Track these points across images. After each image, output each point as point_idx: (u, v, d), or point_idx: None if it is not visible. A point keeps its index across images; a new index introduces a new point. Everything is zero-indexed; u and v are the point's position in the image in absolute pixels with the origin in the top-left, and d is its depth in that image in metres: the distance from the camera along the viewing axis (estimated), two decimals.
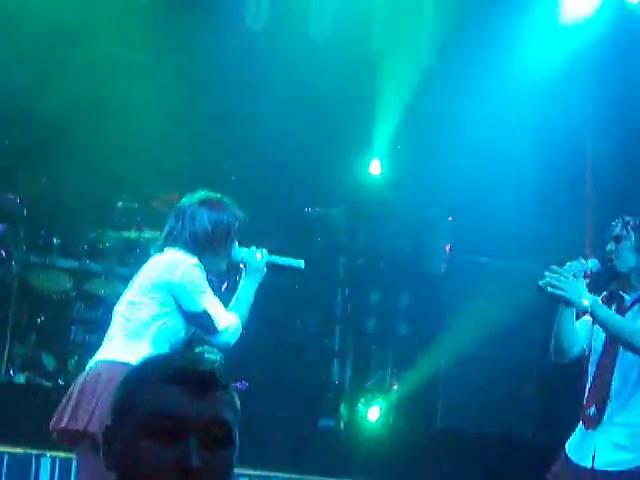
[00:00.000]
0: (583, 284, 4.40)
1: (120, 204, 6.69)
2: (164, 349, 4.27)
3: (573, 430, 4.51)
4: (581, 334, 4.47)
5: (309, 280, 6.70)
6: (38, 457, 5.81)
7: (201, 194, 4.37)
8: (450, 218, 6.94)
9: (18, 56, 6.72)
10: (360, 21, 6.40)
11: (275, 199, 7.03)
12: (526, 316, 6.12)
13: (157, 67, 6.68)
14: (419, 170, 6.81)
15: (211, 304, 4.32)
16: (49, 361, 6.56)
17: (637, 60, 6.31)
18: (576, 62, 6.40)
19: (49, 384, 6.50)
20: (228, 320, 4.36)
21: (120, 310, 4.32)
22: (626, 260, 4.43)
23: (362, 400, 7.17)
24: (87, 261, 6.74)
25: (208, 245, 4.32)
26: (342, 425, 7.00)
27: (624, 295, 4.45)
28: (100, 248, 6.70)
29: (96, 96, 6.61)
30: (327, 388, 7.35)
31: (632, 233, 4.47)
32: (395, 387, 7.14)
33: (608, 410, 4.47)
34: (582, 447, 4.47)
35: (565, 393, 6.16)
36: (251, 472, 5.98)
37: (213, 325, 4.32)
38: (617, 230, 4.45)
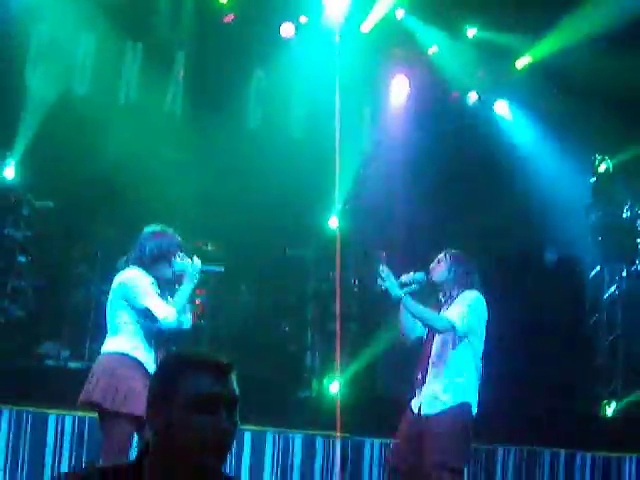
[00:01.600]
0: (397, 284, 5.22)
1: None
2: (141, 339, 5.00)
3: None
4: (417, 324, 5.43)
5: (291, 297, 8.13)
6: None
7: (149, 227, 5.16)
8: (383, 253, 7.86)
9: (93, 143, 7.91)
10: (323, 124, 8.05)
11: (263, 241, 8.23)
12: None
13: (186, 154, 8.18)
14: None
15: (149, 301, 4.93)
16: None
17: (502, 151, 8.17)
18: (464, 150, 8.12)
19: None
20: (166, 311, 4.94)
21: (109, 314, 5.10)
22: (440, 275, 5.43)
23: (327, 378, 7.92)
24: None
25: (151, 261, 5.02)
26: (314, 394, 7.95)
27: (441, 299, 5.46)
28: None
29: (148, 176, 7.91)
30: (303, 370, 8.23)
31: (448, 257, 5.43)
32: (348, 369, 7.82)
33: (428, 374, 5.34)
34: (415, 401, 5.38)
35: None
36: (252, 427, 6.82)
37: (154, 316, 4.94)
38: (439, 255, 5.46)
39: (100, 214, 8.22)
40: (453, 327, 5.31)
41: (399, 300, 5.32)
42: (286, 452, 6.93)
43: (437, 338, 5.46)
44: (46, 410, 6.53)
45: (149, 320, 5.03)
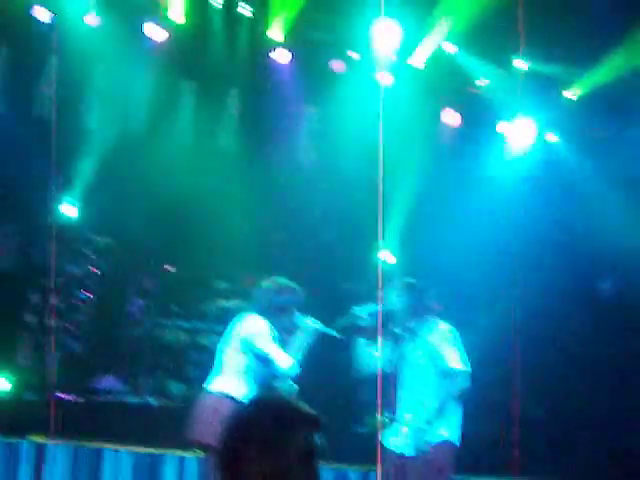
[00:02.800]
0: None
1: (218, 283, 8.19)
2: (254, 385, 5.22)
3: None
4: (371, 359, 5.25)
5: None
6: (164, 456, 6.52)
7: (277, 279, 5.38)
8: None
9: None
10: (372, 162, 7.73)
11: (317, 276, 8.15)
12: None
13: (241, 190, 8.25)
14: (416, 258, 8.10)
15: (272, 350, 5.20)
16: (173, 388, 7.77)
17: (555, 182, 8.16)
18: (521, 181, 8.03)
19: (172, 404, 7.59)
20: (285, 361, 5.19)
21: (223, 356, 5.28)
22: (392, 303, 5.28)
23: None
24: (196, 322, 7.96)
25: (277, 312, 5.28)
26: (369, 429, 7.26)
27: (395, 330, 5.29)
28: (205, 313, 8.01)
29: (204, 212, 8.04)
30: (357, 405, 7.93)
31: (400, 285, 5.28)
32: None
33: (404, 411, 5.20)
34: (393, 439, 5.24)
35: None
36: None
37: (275, 364, 5.22)
38: (390, 283, 5.38)
39: (158, 250, 8.35)
40: (469, 374, 5.16)
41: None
42: None
43: (408, 374, 5.28)
44: (103, 445, 6.58)
45: (267, 367, 5.21)
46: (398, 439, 5.28)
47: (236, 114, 8.68)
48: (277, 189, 8.52)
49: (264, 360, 5.24)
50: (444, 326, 5.26)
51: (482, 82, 8.64)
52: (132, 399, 7.73)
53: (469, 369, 5.14)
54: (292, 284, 5.43)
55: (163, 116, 8.53)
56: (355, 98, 8.37)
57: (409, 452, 5.22)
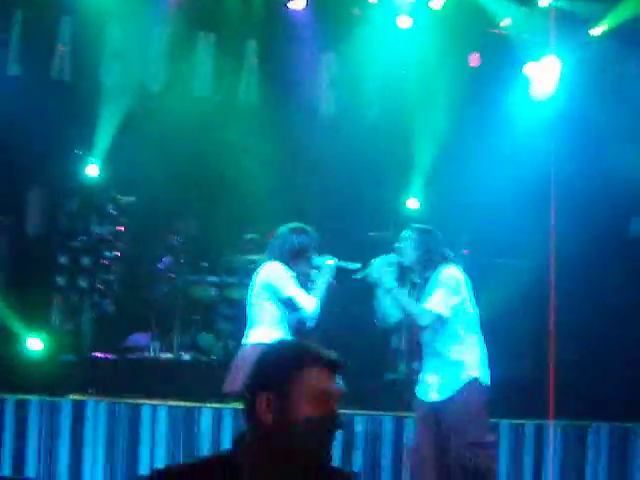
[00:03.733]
0: (390, 273, 5.11)
1: (246, 236, 8.16)
2: (287, 330, 5.28)
3: None
4: (393, 309, 5.25)
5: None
6: (200, 409, 6.53)
7: (289, 224, 5.44)
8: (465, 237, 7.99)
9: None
10: (398, 107, 8.02)
11: (343, 225, 8.21)
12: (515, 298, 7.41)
13: (263, 143, 8.16)
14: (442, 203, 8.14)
15: (293, 291, 5.26)
16: (205, 343, 7.84)
17: (583, 120, 7.97)
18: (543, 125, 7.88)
19: (205, 359, 7.74)
20: (308, 301, 5.24)
21: (252, 308, 5.36)
22: (408, 255, 5.22)
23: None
24: (225, 276, 8.01)
25: (292, 257, 5.32)
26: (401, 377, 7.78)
27: (416, 281, 5.25)
28: (233, 267, 8.00)
29: (226, 166, 8.06)
30: (389, 353, 8.11)
31: (413, 234, 5.22)
32: None
33: (426, 360, 5.26)
34: (421, 389, 5.30)
35: None
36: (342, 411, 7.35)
37: (297, 305, 5.27)
38: (403, 234, 5.24)
39: (182, 206, 8.34)
40: (439, 317, 5.13)
41: (389, 291, 5.18)
42: (376, 434, 6.85)
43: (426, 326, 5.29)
44: (140, 401, 6.64)
45: (292, 310, 5.27)
46: (425, 387, 5.32)
47: (255, 65, 8.57)
48: (299, 140, 8.40)
49: (288, 304, 5.30)
50: (448, 270, 5.22)
51: (505, 22, 8.44)
52: (165, 355, 7.73)
53: (446, 314, 5.12)
54: (305, 226, 5.46)
55: (182, 71, 8.44)
56: (375, 43, 8.27)
57: (438, 398, 5.25)
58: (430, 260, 5.21)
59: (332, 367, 2.13)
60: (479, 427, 5.22)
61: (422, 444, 5.30)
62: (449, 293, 5.19)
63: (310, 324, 5.33)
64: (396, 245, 5.24)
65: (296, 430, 2.09)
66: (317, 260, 5.38)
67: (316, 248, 5.41)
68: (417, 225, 5.35)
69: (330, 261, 5.38)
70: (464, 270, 5.37)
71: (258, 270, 5.42)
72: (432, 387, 5.28)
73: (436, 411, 5.24)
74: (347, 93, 8.43)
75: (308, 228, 5.44)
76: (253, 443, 2.11)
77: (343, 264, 5.39)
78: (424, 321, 5.18)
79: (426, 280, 5.22)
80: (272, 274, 5.31)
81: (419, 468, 5.34)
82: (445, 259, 5.24)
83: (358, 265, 5.39)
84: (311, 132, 8.31)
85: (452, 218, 7.57)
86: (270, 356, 2.18)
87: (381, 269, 5.18)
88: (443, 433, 5.22)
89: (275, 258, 5.39)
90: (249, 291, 5.43)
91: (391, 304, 5.26)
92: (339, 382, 2.13)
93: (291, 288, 5.28)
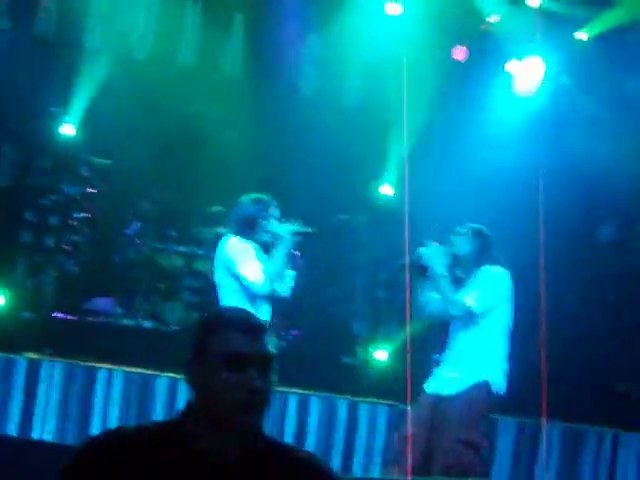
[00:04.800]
0: (442, 260, 5.19)
1: (214, 208, 7.94)
2: (262, 306, 5.09)
3: None
4: (436, 303, 5.26)
5: (341, 263, 8.14)
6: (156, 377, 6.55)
7: (247, 195, 5.26)
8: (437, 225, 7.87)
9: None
10: (378, 93, 7.94)
11: (315, 207, 7.90)
12: None
13: (242, 117, 8.14)
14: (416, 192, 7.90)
15: (242, 267, 5.03)
16: (169, 312, 7.74)
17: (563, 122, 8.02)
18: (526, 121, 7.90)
19: (166, 328, 7.64)
20: (255, 276, 5.04)
21: (219, 289, 5.22)
22: (460, 248, 5.31)
23: (373, 345, 7.81)
24: (193, 247, 7.96)
25: (248, 227, 5.16)
26: (359, 362, 7.80)
27: (461, 276, 5.32)
28: (201, 238, 7.91)
29: (204, 137, 8.04)
30: (350, 337, 8.12)
31: (469, 230, 5.31)
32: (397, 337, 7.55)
33: (446, 354, 5.33)
34: (431, 381, 5.35)
35: None
36: (298, 391, 6.79)
37: (243, 281, 5.08)
38: (459, 228, 5.34)
39: (157, 174, 8.27)
40: (470, 312, 5.18)
41: (438, 276, 5.21)
42: (331, 417, 6.86)
43: (455, 317, 5.36)
44: (96, 364, 6.60)
45: (241, 284, 5.10)
46: (439, 380, 5.36)
47: (241, 39, 8.52)
48: (278, 116, 8.36)
49: (239, 279, 5.15)
50: (493, 270, 5.27)
51: (493, 19, 8.44)
52: (127, 321, 7.68)
53: (476, 308, 5.15)
54: (261, 195, 5.31)
55: (166, 39, 8.36)
56: (361, 27, 8.22)
57: (447, 392, 5.29)
58: (479, 258, 5.27)
59: (246, 330, 2.11)
60: (474, 428, 5.25)
61: (416, 435, 5.28)
62: (487, 292, 5.23)
63: (260, 295, 5.13)
64: (450, 237, 5.29)
65: (212, 396, 2.08)
66: (270, 227, 5.21)
67: (273, 216, 5.23)
68: (475, 225, 5.38)
69: (283, 226, 5.22)
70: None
71: (219, 245, 5.31)
72: (446, 381, 5.33)
73: (439, 404, 5.27)
74: (329, 74, 8.42)
75: (264, 197, 5.29)
76: (193, 411, 2.12)
77: (296, 228, 5.23)
78: (455, 311, 5.21)
79: (470, 276, 5.28)
80: (226, 249, 5.20)
81: (407, 457, 5.30)
82: (494, 260, 5.28)
83: (311, 229, 5.31)
84: (290, 109, 8.28)
85: (425, 207, 7.56)
86: (195, 325, 2.20)
87: (435, 255, 5.22)
88: (436, 426, 5.24)
89: (232, 231, 5.28)
90: (213, 269, 5.32)
91: (430, 299, 5.29)
92: (258, 346, 2.10)
93: (241, 263, 5.11)
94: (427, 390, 5.40)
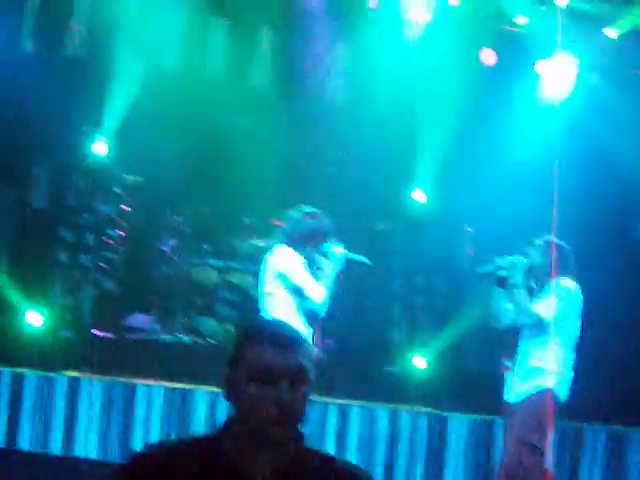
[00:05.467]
0: (519, 271, 5.26)
1: (247, 220, 8.20)
2: (303, 319, 5.13)
3: None
4: (510, 312, 5.37)
5: (378, 271, 7.71)
6: (195, 392, 6.53)
7: (301, 208, 5.35)
8: (469, 229, 8.12)
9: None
10: (407, 101, 7.94)
11: (350, 216, 8.01)
12: None
13: (274, 130, 8.17)
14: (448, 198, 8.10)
15: (302, 279, 5.11)
16: (206, 327, 7.77)
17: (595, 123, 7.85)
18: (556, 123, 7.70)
19: (204, 342, 7.67)
20: (317, 290, 5.11)
21: (265, 297, 5.21)
22: (534, 259, 5.39)
23: (412, 353, 7.75)
24: (228, 261, 8.00)
25: (304, 241, 5.17)
26: (399, 369, 7.70)
27: (533, 286, 5.41)
28: (237, 252, 8.01)
29: (235, 151, 8.00)
30: (389, 345, 8.11)
31: (545, 242, 5.39)
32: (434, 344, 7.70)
33: (516, 362, 5.38)
34: (505, 388, 5.48)
35: None
36: (338, 401, 6.76)
37: (305, 294, 5.12)
38: (536, 240, 5.43)
39: (189, 188, 8.29)
40: (541, 321, 5.25)
41: (514, 286, 5.28)
42: (372, 426, 6.81)
43: (527, 325, 5.43)
44: (135, 381, 6.61)
45: (300, 297, 5.12)
46: (509, 387, 5.46)
47: (268, 53, 8.53)
48: (307, 127, 8.36)
49: (298, 292, 5.17)
50: (566, 283, 5.33)
51: (521, 20, 8.34)
52: (165, 337, 7.69)
53: (548, 320, 5.22)
54: (316, 210, 5.34)
55: (195, 54, 8.41)
56: (389, 35, 8.19)
57: (514, 399, 5.39)
58: (551, 269, 5.32)
59: (279, 344, 2.09)
60: (537, 432, 5.26)
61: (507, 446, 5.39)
62: (559, 303, 5.28)
63: (320, 313, 5.21)
64: (528, 249, 5.36)
65: (245, 410, 2.07)
66: (326, 247, 5.23)
67: (327, 233, 5.27)
68: (551, 237, 5.45)
69: (339, 249, 5.24)
70: None
71: (267, 256, 5.27)
72: (513, 388, 5.42)
73: (509, 412, 5.40)
74: (358, 84, 8.36)
75: (319, 213, 5.32)
76: (231, 425, 2.12)
77: (352, 256, 5.30)
78: (526, 319, 5.29)
79: (542, 287, 5.35)
80: (283, 261, 5.17)
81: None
82: (568, 273, 5.34)
83: (366, 259, 5.36)
84: (319, 120, 8.29)
85: (457, 212, 7.61)
86: (232, 338, 2.20)
87: (514, 265, 5.28)
88: (506, 433, 5.39)
89: (285, 242, 5.24)
90: (260, 278, 5.27)
91: (504, 309, 5.37)
92: (291, 359, 2.08)
93: (301, 276, 5.14)
94: (504, 398, 5.52)
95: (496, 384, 6.79)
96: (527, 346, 5.40)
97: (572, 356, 5.42)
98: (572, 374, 5.40)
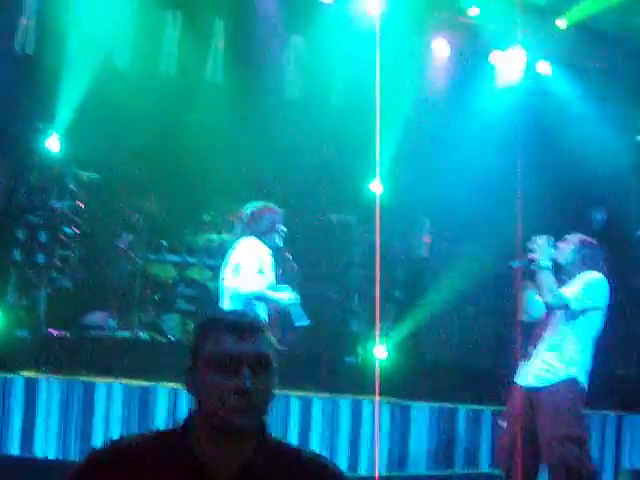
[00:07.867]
0: (549, 253, 5.26)
1: (206, 216, 8.12)
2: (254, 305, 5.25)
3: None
4: (539, 304, 5.42)
5: (335, 262, 8.13)
6: (155, 388, 6.45)
7: (257, 202, 5.55)
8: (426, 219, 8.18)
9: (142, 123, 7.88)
10: (363, 92, 7.67)
11: (306, 208, 8.26)
12: (480, 285, 7.59)
13: (227, 124, 8.06)
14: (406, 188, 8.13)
15: (246, 267, 5.23)
16: (165, 322, 7.73)
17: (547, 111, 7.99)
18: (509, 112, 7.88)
19: (163, 338, 7.63)
20: (249, 283, 5.23)
21: (224, 286, 5.36)
22: (565, 256, 5.42)
23: (371, 343, 7.73)
24: (186, 256, 7.97)
25: (266, 232, 5.38)
26: (359, 360, 7.85)
27: (564, 278, 5.37)
28: (194, 247, 7.97)
29: (189, 146, 7.96)
30: (348, 336, 8.21)
31: (576, 239, 5.44)
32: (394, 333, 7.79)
33: (539, 349, 5.40)
34: (523, 374, 5.47)
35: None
36: (299, 393, 6.79)
37: (238, 274, 5.29)
38: (567, 236, 5.45)
39: (144, 184, 8.19)
40: (567, 305, 5.25)
41: (542, 268, 5.28)
42: (334, 417, 6.86)
43: (552, 315, 5.44)
44: (94, 379, 6.51)
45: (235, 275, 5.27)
46: (528, 371, 5.45)
47: (222, 46, 8.42)
48: (263, 121, 8.29)
49: (236, 271, 5.31)
50: (594, 275, 5.37)
51: (473, 11, 8.37)
52: (122, 334, 7.60)
53: (573, 305, 5.24)
54: (270, 204, 5.56)
55: (147, 48, 8.27)
56: (343, 27, 8.17)
57: (535, 384, 5.39)
58: (582, 266, 5.38)
59: (237, 331, 2.05)
60: (572, 422, 5.29)
61: (515, 427, 5.36)
62: (586, 291, 5.31)
63: (235, 303, 5.29)
64: (557, 243, 5.36)
65: (206, 401, 2.03)
66: (279, 288, 5.44)
67: (283, 223, 5.51)
68: (583, 236, 5.50)
69: (289, 294, 5.45)
70: None
71: (230, 250, 5.39)
72: (534, 373, 5.41)
73: (531, 397, 5.37)
74: (313, 76, 8.32)
75: (274, 206, 5.54)
76: (194, 418, 2.09)
77: (295, 310, 5.51)
78: (553, 300, 5.28)
79: (571, 278, 5.38)
80: (244, 252, 5.30)
81: (508, 449, 5.39)
82: (597, 268, 5.39)
83: (307, 322, 5.63)
84: (275, 114, 8.21)
85: (415, 203, 7.58)
86: (190, 332, 2.20)
87: (543, 247, 5.28)
88: (536, 421, 5.32)
89: (250, 235, 5.41)
90: (221, 271, 5.37)
91: (533, 302, 5.40)
92: (250, 346, 2.04)
93: (249, 266, 5.23)
94: (518, 382, 5.49)
95: (456, 373, 6.88)
96: (553, 334, 5.40)
97: (593, 347, 5.44)
98: (591, 365, 5.42)
